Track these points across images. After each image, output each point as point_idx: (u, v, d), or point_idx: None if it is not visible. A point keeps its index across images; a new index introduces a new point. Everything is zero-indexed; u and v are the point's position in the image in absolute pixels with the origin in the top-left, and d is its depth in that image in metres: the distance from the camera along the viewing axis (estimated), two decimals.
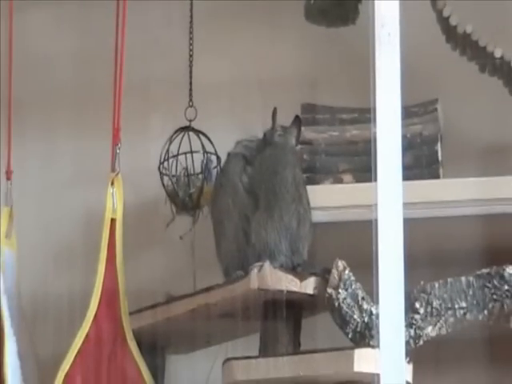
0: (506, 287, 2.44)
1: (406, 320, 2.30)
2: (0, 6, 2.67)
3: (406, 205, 2.18)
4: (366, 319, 2.45)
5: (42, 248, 2.82)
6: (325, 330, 2.58)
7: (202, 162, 2.77)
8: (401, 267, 2.16)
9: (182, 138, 2.74)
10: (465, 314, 2.45)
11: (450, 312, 2.45)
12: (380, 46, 2.21)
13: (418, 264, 2.25)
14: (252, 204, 2.63)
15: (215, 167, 2.79)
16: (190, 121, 2.74)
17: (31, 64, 2.80)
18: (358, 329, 2.45)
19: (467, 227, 2.65)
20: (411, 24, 2.23)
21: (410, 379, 2.40)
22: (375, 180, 2.20)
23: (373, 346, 2.40)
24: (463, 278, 2.46)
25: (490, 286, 2.47)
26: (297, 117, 2.65)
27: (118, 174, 2.50)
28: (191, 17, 2.81)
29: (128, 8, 2.50)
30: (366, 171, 2.42)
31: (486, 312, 2.45)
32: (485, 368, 2.78)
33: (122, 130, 2.49)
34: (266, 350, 2.57)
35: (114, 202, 2.48)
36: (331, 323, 2.51)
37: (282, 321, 2.58)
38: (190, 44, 2.79)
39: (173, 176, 2.76)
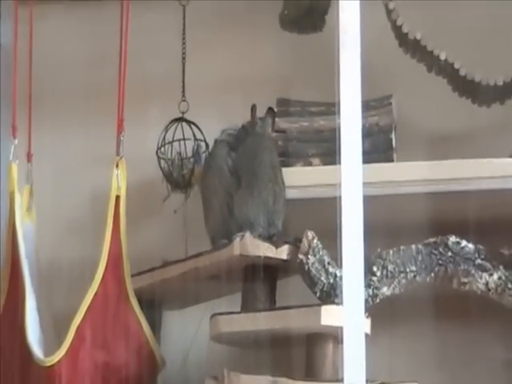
0: (450, 254, 2.41)
1: (365, 281, 2.21)
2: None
3: (364, 184, 2.15)
4: (331, 281, 2.40)
5: (57, 220, 2.80)
6: (296, 290, 2.52)
7: (193, 147, 2.76)
8: (360, 237, 2.13)
9: (176, 128, 2.72)
10: (415, 276, 2.42)
11: (402, 275, 2.42)
12: (343, 49, 2.19)
13: (375, 234, 2.18)
14: (235, 183, 2.60)
15: (204, 152, 2.77)
16: (183, 113, 2.73)
17: (49, 63, 2.77)
18: (325, 289, 2.40)
19: (417, 203, 2.62)
20: (370, 30, 2.21)
21: (368, 331, 2.34)
22: (339, 163, 2.17)
23: (337, 303, 2.34)
24: (413, 246, 2.44)
25: (435, 252, 2.43)
26: (269, 108, 2.64)
27: (121, 157, 2.45)
28: (184, 23, 2.77)
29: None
30: (331, 156, 2.33)
31: (432, 275, 2.42)
32: (431, 321, 2.71)
33: (125, 120, 2.45)
34: (246, 307, 2.53)
35: (119, 181, 2.43)
36: (302, 284, 2.47)
37: (260, 282, 2.53)
38: (183, 47, 2.76)
39: (168, 159, 2.75)
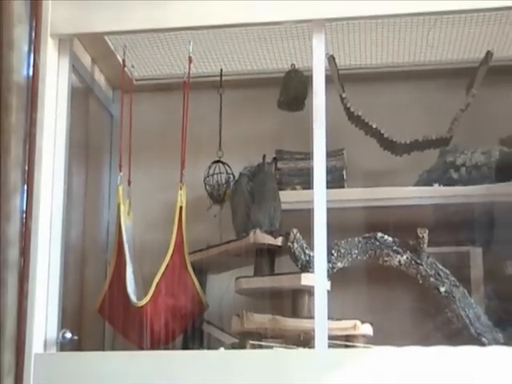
0: (377, 243, 2.48)
1: (327, 258, 2.34)
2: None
3: (327, 201, 2.27)
4: (307, 258, 2.47)
5: (145, 220, 2.82)
6: (286, 264, 2.57)
7: (226, 178, 2.80)
8: (324, 232, 2.28)
9: (216, 167, 2.80)
10: (356, 256, 2.49)
11: (349, 255, 2.49)
12: (315, 123, 2.31)
13: (333, 231, 2.31)
14: (251, 200, 2.66)
15: (232, 181, 2.78)
16: (220, 157, 2.79)
17: (142, 128, 2.81)
18: (303, 263, 2.48)
19: (358, 213, 2.68)
20: (332, 109, 2.35)
21: (329, 288, 2.36)
22: (313, 188, 2.30)
23: (311, 272, 2.38)
24: (356, 238, 2.51)
25: (369, 242, 2.49)
26: (274, 158, 2.75)
27: (183, 184, 2.57)
28: (220, 105, 2.85)
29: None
30: (308, 184, 2.40)
31: (367, 255, 2.49)
32: (367, 284, 2.72)
33: (185, 162, 2.59)
34: (257, 273, 2.60)
35: (181, 198, 2.56)
36: (289, 261, 2.53)
37: (265, 259, 2.61)
38: (220, 120, 2.84)
39: (211, 185, 2.79)
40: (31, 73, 2.48)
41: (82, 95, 2.85)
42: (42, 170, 2.41)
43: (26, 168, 2.45)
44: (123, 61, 2.75)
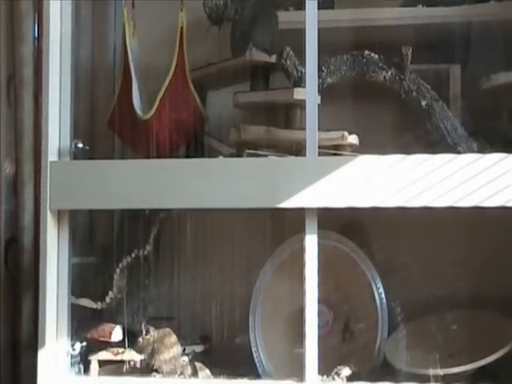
0: (364, 60, 2.43)
1: (318, 75, 2.27)
2: None
3: (319, 21, 2.21)
4: (299, 75, 2.41)
5: (149, 41, 2.66)
6: (280, 81, 2.49)
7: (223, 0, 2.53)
8: (315, 51, 2.21)
9: None
10: (345, 73, 2.45)
11: (338, 72, 2.45)
12: None
13: (324, 50, 2.24)
14: (248, 21, 2.53)
15: (230, 2, 2.52)
16: None
17: None
18: (296, 79, 2.42)
19: (349, 34, 2.53)
20: None
21: (319, 102, 2.28)
22: (305, 9, 2.23)
23: (303, 87, 2.30)
24: (344, 56, 2.45)
25: (357, 59, 2.44)
26: None
27: (183, 6, 2.48)
28: None
29: None
30: (301, 5, 2.29)
31: (355, 72, 2.44)
32: (357, 99, 2.60)
33: None
34: (253, 89, 2.54)
35: (182, 19, 2.48)
36: (283, 78, 2.45)
37: (260, 75, 2.53)
38: None
39: (209, 7, 2.53)
40: None
41: None
42: None
43: None
44: None
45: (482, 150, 2.32)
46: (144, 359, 2.34)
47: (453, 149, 2.37)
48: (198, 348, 2.48)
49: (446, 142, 2.40)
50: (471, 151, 2.34)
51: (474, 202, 2.15)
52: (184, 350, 2.40)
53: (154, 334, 2.35)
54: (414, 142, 2.45)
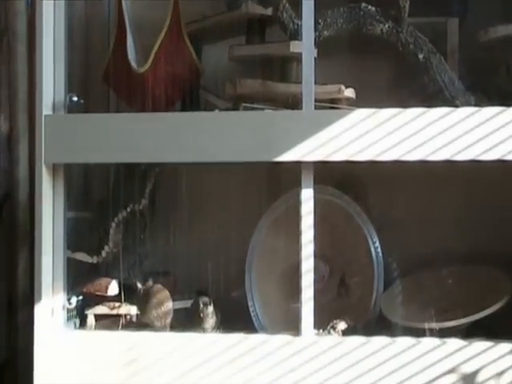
0: (362, 13, 2.38)
1: (314, 27, 2.24)
2: None
3: None
4: (295, 27, 2.36)
5: None
6: (276, 34, 2.45)
7: None
8: (311, 3, 2.20)
9: None
10: (342, 25, 2.39)
11: (334, 24, 2.38)
12: None
13: (320, 3, 2.22)
14: None
15: None
16: None
17: None
18: (292, 32, 2.38)
19: None
20: None
21: (315, 56, 2.26)
22: None
23: (299, 40, 2.27)
24: (341, 8, 2.40)
25: (354, 12, 2.38)
26: None
27: None
28: None
29: None
30: None
31: (352, 24, 2.39)
32: (354, 52, 2.55)
33: None
34: (249, 42, 2.49)
35: None
36: (279, 31, 2.41)
37: (256, 28, 2.48)
38: None
39: None
40: None
41: None
42: None
43: None
44: None
45: (479, 104, 2.29)
46: (139, 313, 2.34)
47: (450, 102, 2.33)
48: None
49: (444, 96, 2.36)
50: (469, 105, 2.30)
51: (471, 155, 2.14)
52: None
53: (146, 288, 2.34)
54: (411, 95, 2.40)
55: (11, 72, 2.69)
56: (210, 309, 2.29)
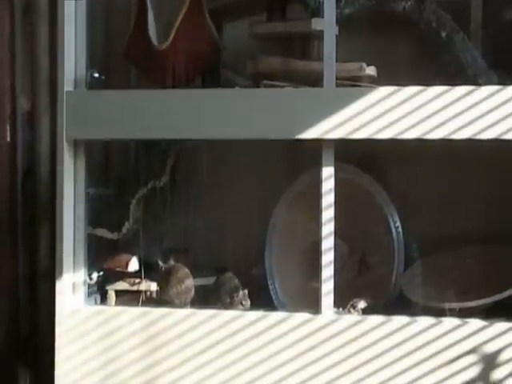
0: None
1: (336, 5, 2.19)
2: None
3: None
4: (317, 5, 2.33)
5: None
6: (297, 12, 2.42)
7: None
8: None
9: None
10: (364, 2, 2.36)
11: (356, 1, 2.35)
12: None
13: None
14: None
15: None
16: None
17: None
18: (314, 9, 2.33)
19: None
20: None
21: (337, 33, 2.21)
22: None
23: (321, 17, 2.24)
24: None
25: None
26: None
27: None
28: None
29: None
30: None
31: (374, 2, 2.36)
32: (376, 30, 2.51)
33: None
34: (269, 19, 2.45)
35: None
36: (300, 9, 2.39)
37: (277, 6, 2.45)
38: None
39: None
40: None
41: None
42: None
43: None
44: None
45: (502, 82, 2.24)
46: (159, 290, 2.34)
47: (473, 81, 2.30)
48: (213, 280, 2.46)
49: (466, 74, 2.34)
50: (491, 83, 2.27)
51: (493, 134, 2.12)
52: None
53: (167, 266, 2.34)
54: (434, 73, 2.36)
55: (34, 50, 2.70)
56: (241, 294, 2.30)
